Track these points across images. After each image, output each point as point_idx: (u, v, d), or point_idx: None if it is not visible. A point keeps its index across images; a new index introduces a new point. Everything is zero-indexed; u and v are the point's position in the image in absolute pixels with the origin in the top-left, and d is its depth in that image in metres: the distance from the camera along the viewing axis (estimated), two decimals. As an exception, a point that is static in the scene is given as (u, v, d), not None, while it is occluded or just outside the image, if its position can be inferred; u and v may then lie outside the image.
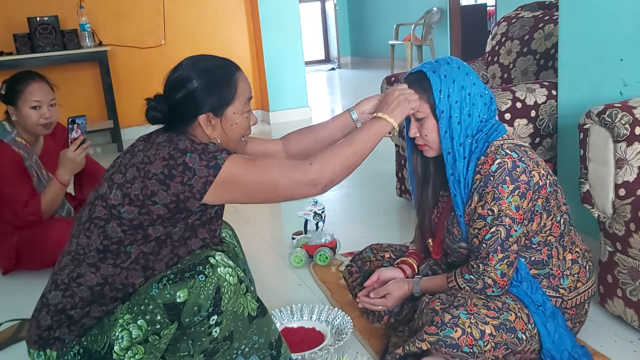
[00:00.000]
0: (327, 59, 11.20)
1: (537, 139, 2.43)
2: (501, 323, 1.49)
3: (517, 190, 1.50)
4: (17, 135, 2.51)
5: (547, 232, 1.60)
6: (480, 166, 1.55)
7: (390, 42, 8.51)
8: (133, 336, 1.40)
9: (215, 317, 1.42)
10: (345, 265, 2.13)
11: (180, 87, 1.47)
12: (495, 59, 3.04)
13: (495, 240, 1.52)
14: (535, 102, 2.39)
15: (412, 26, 7.99)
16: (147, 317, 1.40)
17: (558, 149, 2.44)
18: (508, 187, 1.50)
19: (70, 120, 2.43)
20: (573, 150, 2.10)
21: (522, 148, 1.57)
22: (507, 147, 1.55)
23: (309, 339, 1.87)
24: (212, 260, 1.42)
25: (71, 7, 5.04)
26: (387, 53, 8.74)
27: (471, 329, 1.46)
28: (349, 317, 1.93)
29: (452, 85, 1.56)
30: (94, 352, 1.43)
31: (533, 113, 2.38)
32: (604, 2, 2.11)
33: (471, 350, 1.46)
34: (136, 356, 1.42)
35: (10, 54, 4.81)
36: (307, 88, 6.05)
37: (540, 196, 1.55)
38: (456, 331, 1.45)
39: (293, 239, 2.75)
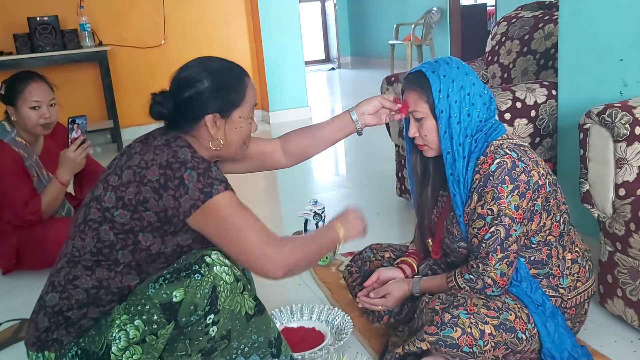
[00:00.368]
0: (327, 59, 11.19)
1: (537, 139, 2.43)
2: (501, 323, 1.49)
3: (517, 190, 1.50)
4: (17, 135, 2.51)
5: (547, 232, 1.60)
6: (479, 166, 1.55)
7: (390, 42, 8.51)
8: (130, 336, 1.40)
9: (212, 316, 1.41)
10: (345, 265, 2.13)
11: (190, 86, 1.46)
12: (495, 58, 3.04)
13: (494, 240, 1.51)
14: (535, 101, 2.39)
15: (412, 26, 7.98)
16: (144, 317, 1.39)
17: (558, 149, 2.44)
18: (507, 186, 1.50)
19: (70, 120, 2.43)
20: (573, 150, 2.10)
21: (522, 148, 1.57)
22: (507, 147, 1.55)
23: (309, 338, 1.87)
24: (207, 259, 1.41)
25: (71, 7, 5.04)
26: (387, 53, 8.73)
27: (471, 329, 1.46)
28: (349, 317, 1.93)
29: (452, 85, 1.56)
30: (91, 353, 1.42)
31: (533, 113, 2.38)
32: (604, 2, 2.11)
33: (471, 350, 1.46)
34: (134, 356, 1.42)
35: (10, 53, 4.81)
36: (307, 88, 6.05)
37: (540, 196, 1.55)
38: (456, 331, 1.45)
39: (293, 239, 2.75)
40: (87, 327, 1.45)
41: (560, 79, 2.35)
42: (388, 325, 1.84)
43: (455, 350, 1.46)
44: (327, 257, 2.50)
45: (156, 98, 1.48)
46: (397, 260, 1.87)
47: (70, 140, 2.44)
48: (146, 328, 1.40)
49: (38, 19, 4.76)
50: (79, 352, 1.43)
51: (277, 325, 1.89)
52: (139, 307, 1.40)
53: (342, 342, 1.80)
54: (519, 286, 1.58)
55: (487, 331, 1.47)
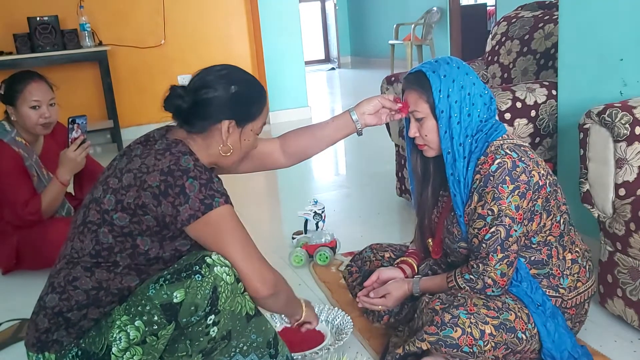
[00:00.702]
0: (327, 59, 11.19)
1: (537, 139, 2.43)
2: (501, 323, 1.49)
3: (517, 190, 1.50)
4: (17, 135, 2.51)
5: (547, 232, 1.60)
6: (480, 166, 1.55)
7: (390, 41, 8.51)
8: (131, 337, 1.40)
9: (212, 316, 1.41)
10: (345, 265, 2.13)
11: (216, 87, 1.46)
12: (495, 58, 3.04)
13: (495, 240, 1.51)
14: (535, 101, 2.39)
15: (412, 26, 7.98)
16: (145, 318, 1.39)
17: (558, 149, 2.44)
18: (508, 187, 1.50)
19: (70, 120, 2.43)
20: (573, 150, 2.10)
21: (522, 148, 1.57)
22: (507, 147, 1.55)
23: (309, 338, 1.86)
24: (208, 260, 1.41)
25: (71, 7, 5.03)
26: (387, 53, 8.73)
27: (471, 329, 1.46)
28: (349, 317, 1.92)
29: (452, 85, 1.55)
30: (92, 354, 1.42)
31: (533, 113, 2.38)
32: (604, 2, 2.11)
33: (471, 350, 1.46)
34: (134, 357, 1.41)
35: (10, 53, 4.81)
36: (307, 88, 6.05)
37: (540, 196, 1.55)
38: (456, 331, 1.45)
39: (293, 238, 2.75)
40: (87, 328, 1.45)
41: (560, 79, 2.35)
42: (388, 325, 1.84)
43: (455, 350, 1.46)
44: (327, 257, 2.50)
45: (177, 90, 1.47)
46: (397, 260, 1.86)
47: (70, 140, 2.44)
48: (147, 329, 1.40)
49: (38, 18, 4.75)
50: (79, 353, 1.43)
51: (277, 325, 1.89)
52: (139, 308, 1.40)
53: (342, 342, 1.80)
54: (519, 286, 1.58)
55: (487, 331, 1.47)
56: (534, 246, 1.61)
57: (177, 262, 1.45)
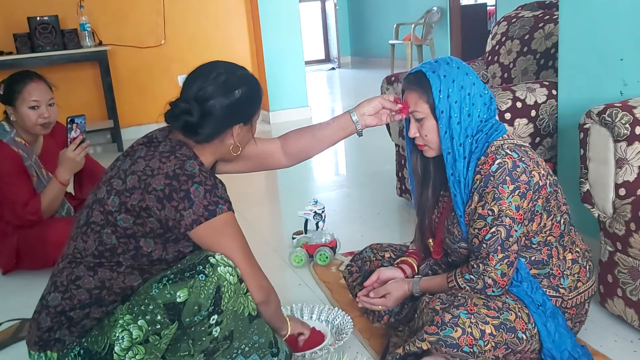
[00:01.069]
0: (327, 59, 11.19)
1: (537, 139, 2.43)
2: (501, 323, 1.49)
3: (518, 191, 1.50)
4: (16, 135, 2.51)
5: (547, 232, 1.60)
6: (480, 166, 1.55)
7: (391, 41, 8.51)
8: (133, 336, 1.40)
9: (215, 316, 1.42)
10: (345, 265, 2.13)
11: (222, 97, 1.44)
12: (496, 58, 3.04)
13: (495, 240, 1.51)
14: (536, 101, 2.39)
15: (412, 26, 7.98)
16: (148, 317, 1.39)
17: (558, 149, 2.44)
18: (508, 187, 1.50)
19: (69, 119, 2.42)
20: (573, 150, 2.10)
21: (522, 148, 1.57)
22: (508, 147, 1.55)
23: (309, 338, 1.86)
24: (212, 260, 1.42)
25: (71, 7, 5.04)
26: (387, 53, 8.73)
27: (471, 329, 1.46)
28: (349, 317, 1.92)
29: (452, 85, 1.55)
30: (94, 353, 1.43)
31: (533, 113, 2.38)
32: (604, 2, 2.11)
33: (471, 350, 1.46)
34: (137, 356, 1.42)
35: (10, 53, 4.81)
36: (307, 88, 6.04)
37: (541, 196, 1.55)
38: (456, 331, 1.45)
39: (293, 238, 2.75)
40: (90, 327, 1.45)
41: (561, 78, 2.35)
42: (388, 325, 1.84)
43: (455, 350, 1.46)
44: (327, 257, 2.50)
45: (181, 106, 1.43)
46: (397, 260, 1.86)
47: (69, 139, 2.44)
48: (149, 328, 1.40)
49: (38, 18, 4.75)
50: (82, 351, 1.44)
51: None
52: (142, 307, 1.40)
53: (342, 342, 1.80)
54: (519, 286, 1.58)
55: (488, 331, 1.47)
56: (534, 246, 1.61)
57: (181, 262, 1.45)
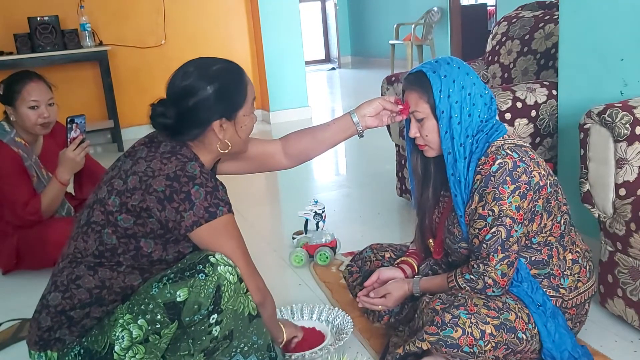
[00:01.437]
0: (328, 59, 11.19)
1: (538, 139, 2.43)
2: (501, 323, 1.49)
3: (518, 191, 1.50)
4: (16, 135, 2.51)
5: (548, 233, 1.60)
6: (480, 166, 1.55)
7: (391, 41, 8.51)
8: (133, 336, 1.40)
9: (215, 315, 1.42)
10: (345, 265, 2.13)
11: (193, 94, 1.43)
12: (496, 58, 3.04)
13: (495, 241, 1.51)
14: (536, 101, 2.39)
15: (413, 26, 7.99)
16: (148, 316, 1.40)
17: (558, 149, 2.44)
18: (509, 187, 1.50)
19: (69, 119, 2.42)
20: (573, 150, 2.10)
21: (523, 148, 1.57)
22: (508, 148, 1.55)
23: (309, 338, 1.86)
24: (212, 259, 1.42)
25: (71, 7, 5.04)
26: (387, 53, 8.73)
27: (471, 329, 1.46)
28: (349, 317, 1.92)
29: (452, 86, 1.55)
30: (94, 353, 1.43)
31: (533, 113, 2.38)
32: (604, 2, 2.11)
33: (471, 350, 1.46)
34: (137, 356, 1.42)
35: (11, 53, 4.81)
36: (308, 88, 6.04)
37: (541, 196, 1.55)
38: (456, 331, 1.45)
39: (293, 238, 2.75)
40: (90, 326, 1.45)
41: (561, 78, 2.35)
42: (388, 325, 1.84)
43: (455, 350, 1.46)
44: (327, 257, 2.50)
45: (157, 109, 1.45)
46: (398, 260, 1.86)
47: (69, 139, 2.44)
48: (149, 327, 1.40)
49: (38, 18, 4.75)
50: (82, 351, 1.44)
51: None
52: (142, 307, 1.40)
53: (342, 342, 1.80)
54: (519, 286, 1.58)
55: (488, 331, 1.47)
56: (534, 246, 1.61)
57: (181, 262, 1.46)
